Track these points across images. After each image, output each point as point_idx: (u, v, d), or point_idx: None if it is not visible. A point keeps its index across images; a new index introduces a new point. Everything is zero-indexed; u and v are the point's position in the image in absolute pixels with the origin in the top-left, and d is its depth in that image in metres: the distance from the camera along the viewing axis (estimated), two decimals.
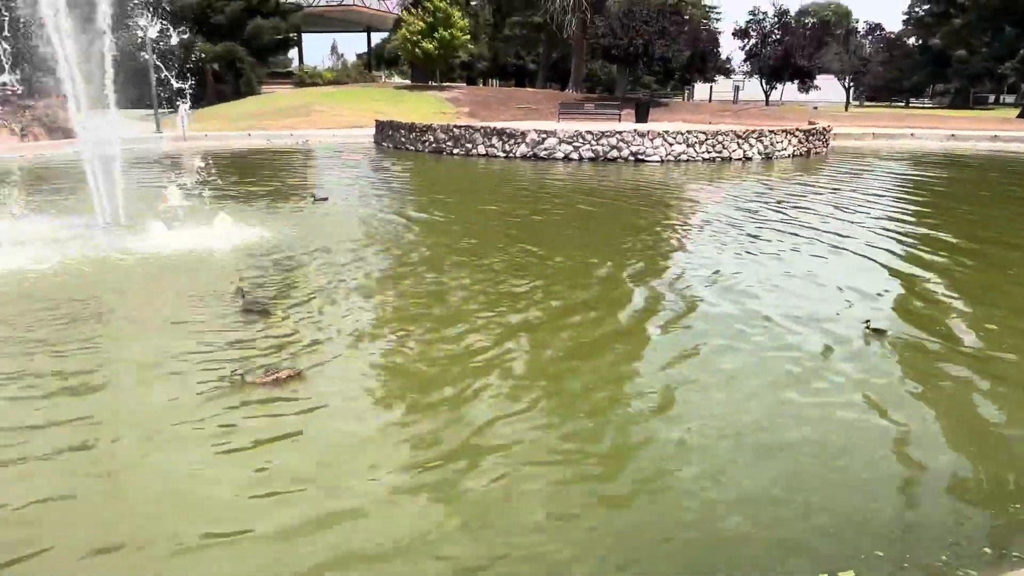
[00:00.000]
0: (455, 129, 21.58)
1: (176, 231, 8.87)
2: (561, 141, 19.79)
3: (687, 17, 37.14)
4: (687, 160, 19.65)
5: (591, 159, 19.55)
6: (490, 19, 50.25)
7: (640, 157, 19.48)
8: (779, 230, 9.91)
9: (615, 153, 19.56)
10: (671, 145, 19.67)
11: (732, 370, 4.87)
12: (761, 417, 4.20)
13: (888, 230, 10.03)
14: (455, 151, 21.26)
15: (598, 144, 19.61)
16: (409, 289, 6.86)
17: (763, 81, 49.49)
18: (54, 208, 10.75)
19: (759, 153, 20.66)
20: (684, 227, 10.67)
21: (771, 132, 21.10)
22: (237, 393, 4.36)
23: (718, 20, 51.42)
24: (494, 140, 20.61)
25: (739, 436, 3.97)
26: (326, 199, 12.41)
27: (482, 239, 9.18)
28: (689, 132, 20.00)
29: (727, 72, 53.35)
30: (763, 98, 49.29)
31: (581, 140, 19.72)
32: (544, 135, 19.94)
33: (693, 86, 58.01)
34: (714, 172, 17.90)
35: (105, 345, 5.21)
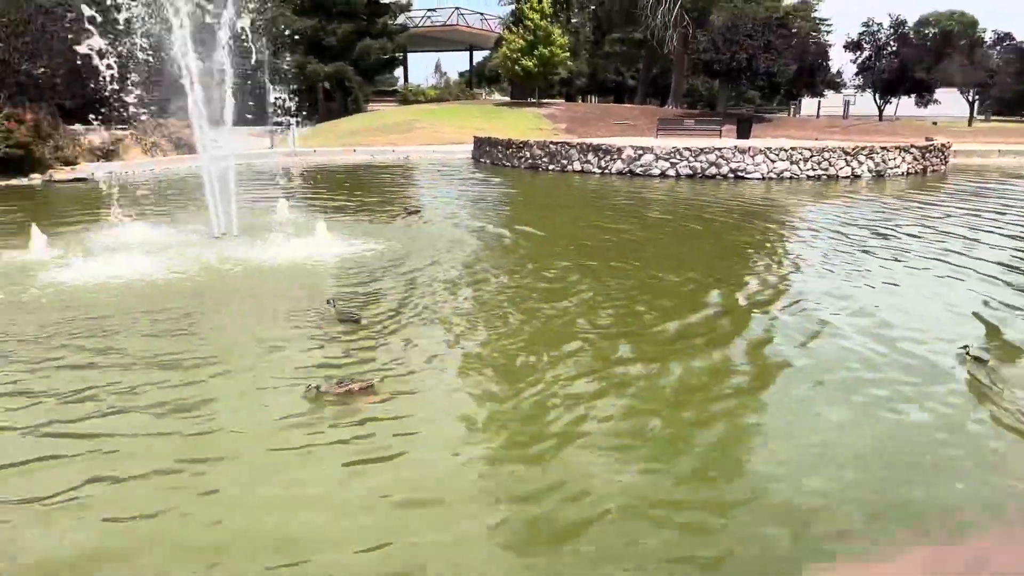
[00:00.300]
0: (551, 145, 21.66)
1: (282, 242, 9.27)
2: (658, 157, 19.47)
3: (794, 30, 35.87)
4: (790, 178, 18.87)
5: (688, 176, 19.12)
6: (590, 36, 50.29)
7: (740, 174, 18.88)
8: (899, 251, 9.33)
9: (714, 170, 19.05)
10: (773, 162, 18.96)
11: (862, 407, 4.48)
12: (899, 463, 3.82)
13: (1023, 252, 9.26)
14: (550, 167, 21.31)
15: (696, 161, 19.17)
16: (511, 306, 6.75)
17: (876, 95, 47.04)
18: (175, 218, 11.51)
19: (869, 171, 19.59)
20: (796, 247, 10.21)
21: (883, 148, 19.97)
22: (323, 407, 4.40)
23: (828, 33, 49.34)
24: (590, 156, 20.53)
25: (879, 487, 3.58)
26: (418, 211, 12.74)
27: (585, 256, 9.04)
28: (793, 149, 19.22)
29: (837, 86, 51.02)
30: (876, 113, 46.82)
31: (679, 157, 19.33)
32: (640, 151, 19.68)
33: (800, 101, 55.83)
34: (820, 190, 17.10)
35: (203, 353, 5.41)
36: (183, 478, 3.66)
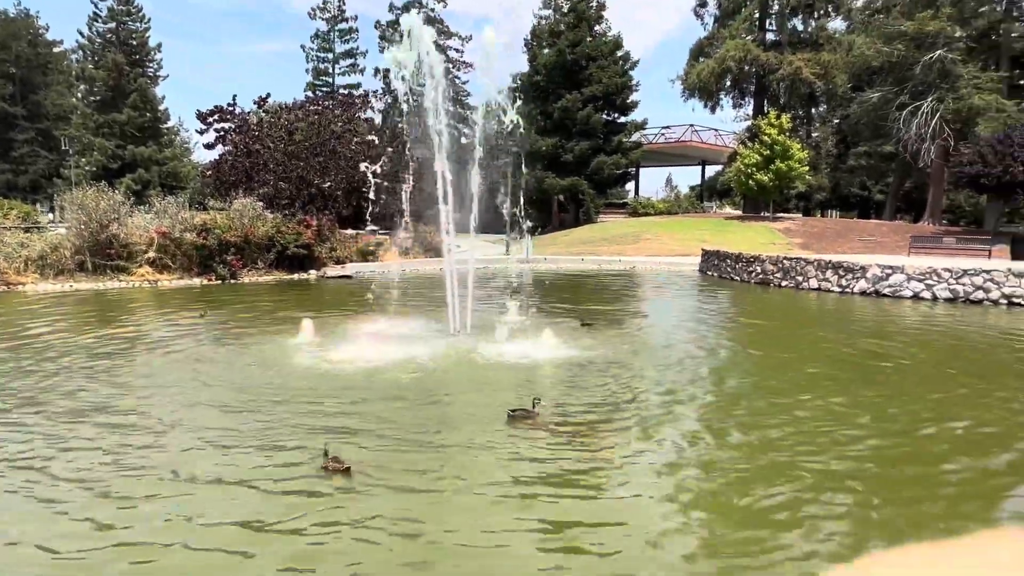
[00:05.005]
0: (785, 261, 20.70)
1: (509, 343, 9.80)
2: (910, 278, 17.67)
3: None
4: None
5: (948, 300, 17.03)
6: (832, 150, 48.28)
7: (1015, 300, 16.40)
8: None
9: (980, 294, 16.78)
10: None
11: None
12: None
13: None
14: (783, 283, 20.30)
15: (958, 283, 17.06)
16: (714, 429, 6.33)
17: None
18: (417, 315, 12.69)
19: None
20: None
21: None
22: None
23: None
24: (828, 273, 19.24)
25: None
26: (591, 324, 12.19)
27: (823, 381, 8.32)
28: None
29: None
30: None
31: (936, 278, 17.37)
32: (889, 271, 18.03)
33: None
34: None
35: (418, 439, 5.83)
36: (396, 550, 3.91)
